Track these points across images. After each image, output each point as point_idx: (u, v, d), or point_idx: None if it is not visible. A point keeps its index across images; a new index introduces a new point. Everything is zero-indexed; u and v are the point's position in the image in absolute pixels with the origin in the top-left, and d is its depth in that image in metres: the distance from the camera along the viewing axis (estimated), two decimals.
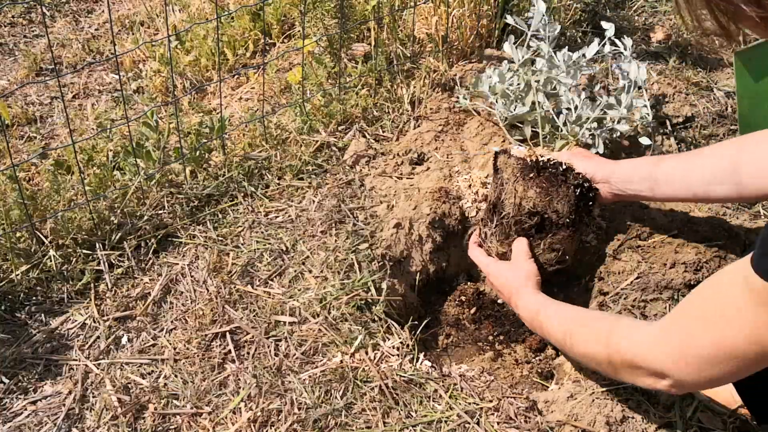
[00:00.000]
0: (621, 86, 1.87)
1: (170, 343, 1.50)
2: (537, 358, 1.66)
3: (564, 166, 1.57)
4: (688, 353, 1.08)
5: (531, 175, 1.56)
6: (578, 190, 1.54)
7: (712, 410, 1.40)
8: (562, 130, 1.83)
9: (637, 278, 1.62)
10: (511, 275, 1.56)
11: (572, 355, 1.39)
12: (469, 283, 1.83)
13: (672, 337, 1.12)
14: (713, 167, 1.43)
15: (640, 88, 1.85)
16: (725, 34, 0.92)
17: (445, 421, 1.37)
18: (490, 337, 1.71)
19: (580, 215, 1.56)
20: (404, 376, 1.45)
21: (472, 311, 1.75)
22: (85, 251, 1.67)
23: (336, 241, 1.70)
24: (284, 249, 1.70)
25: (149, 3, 2.76)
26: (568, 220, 1.55)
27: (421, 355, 1.52)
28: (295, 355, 1.48)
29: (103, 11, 2.84)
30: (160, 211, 1.78)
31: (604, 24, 1.93)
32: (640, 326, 1.24)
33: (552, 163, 1.58)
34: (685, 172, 1.47)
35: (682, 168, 1.48)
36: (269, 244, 1.71)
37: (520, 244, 1.58)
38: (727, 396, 1.40)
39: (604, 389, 1.42)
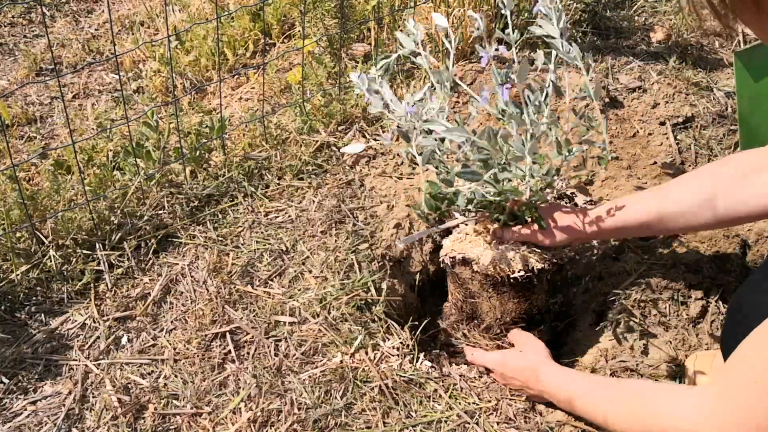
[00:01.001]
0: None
1: (170, 343, 1.50)
2: None
3: (536, 270, 1.45)
4: (754, 422, 0.96)
5: (504, 289, 1.49)
6: (550, 276, 1.50)
7: None
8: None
9: (637, 278, 1.62)
10: (529, 357, 1.45)
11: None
12: None
13: (727, 405, 1.00)
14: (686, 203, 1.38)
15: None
16: (725, 27, 0.89)
17: (445, 421, 1.37)
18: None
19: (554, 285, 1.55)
20: (404, 377, 1.45)
21: None
22: (85, 251, 1.67)
23: (336, 241, 1.70)
24: (284, 249, 1.70)
25: (149, 3, 2.76)
26: (548, 306, 1.54)
27: (421, 356, 1.52)
28: (295, 355, 1.48)
29: (103, 11, 2.84)
30: (160, 211, 1.78)
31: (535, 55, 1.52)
32: (683, 395, 1.13)
33: (520, 272, 1.45)
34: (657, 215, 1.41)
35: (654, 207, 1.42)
36: (269, 244, 1.72)
37: (518, 332, 1.53)
38: None
39: None
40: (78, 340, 1.51)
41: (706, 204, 1.34)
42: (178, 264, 1.67)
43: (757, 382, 0.95)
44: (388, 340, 1.52)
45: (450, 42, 1.43)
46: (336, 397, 1.40)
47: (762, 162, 1.29)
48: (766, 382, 0.94)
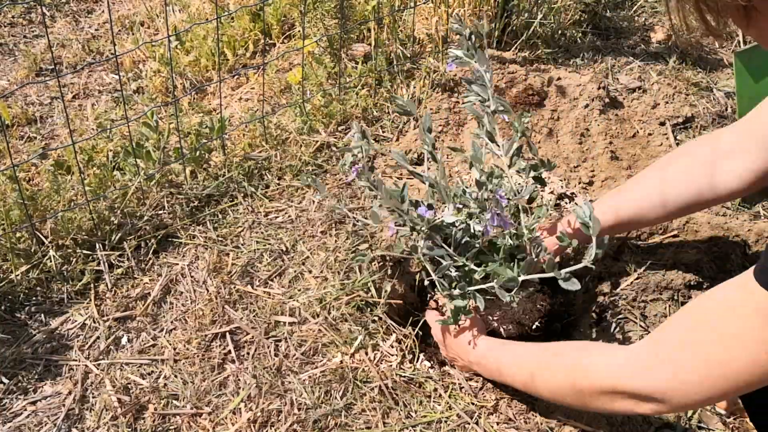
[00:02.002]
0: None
1: (170, 344, 1.50)
2: None
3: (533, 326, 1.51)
4: (682, 375, 1.01)
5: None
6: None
7: (712, 410, 1.40)
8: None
9: (637, 278, 1.62)
10: (466, 330, 1.44)
11: (540, 397, 1.33)
12: None
13: (662, 357, 1.04)
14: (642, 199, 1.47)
15: None
16: (711, 32, 0.90)
17: (445, 421, 1.37)
18: None
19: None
20: (404, 377, 1.45)
21: None
22: (85, 251, 1.67)
23: (336, 241, 1.70)
24: (284, 249, 1.70)
25: (149, 3, 2.76)
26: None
27: (421, 356, 1.52)
28: (295, 355, 1.48)
29: (103, 11, 2.84)
30: (160, 212, 1.78)
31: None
32: (616, 350, 1.17)
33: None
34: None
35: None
36: (269, 244, 1.72)
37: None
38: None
39: None
40: (78, 341, 1.51)
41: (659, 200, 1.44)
42: (178, 264, 1.67)
43: (700, 336, 0.99)
44: (388, 340, 1.52)
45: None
46: (336, 398, 1.40)
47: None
48: (708, 337, 0.97)
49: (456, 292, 1.37)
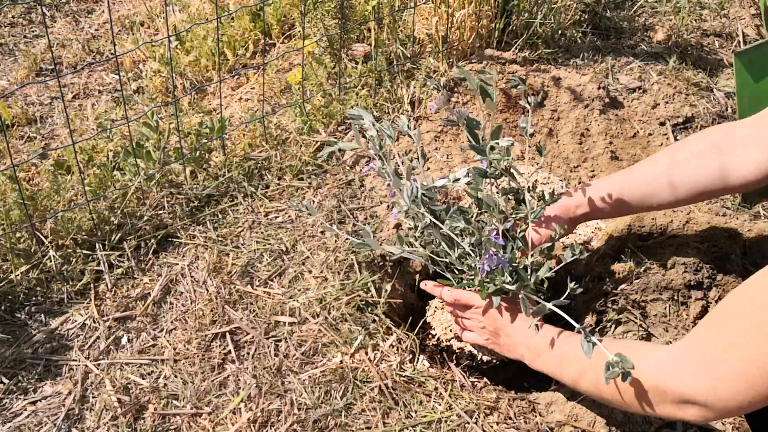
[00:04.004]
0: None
1: (170, 344, 1.50)
2: None
3: None
4: (721, 375, 0.97)
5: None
6: None
7: None
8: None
9: (637, 278, 1.62)
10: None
11: (578, 390, 1.31)
12: None
13: (700, 355, 1.01)
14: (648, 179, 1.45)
15: None
16: None
17: (445, 421, 1.37)
18: None
19: None
20: (404, 376, 1.45)
21: None
22: (85, 251, 1.67)
23: (336, 241, 1.70)
24: (284, 249, 1.70)
25: (149, 3, 2.76)
26: None
27: (421, 356, 1.52)
28: (295, 355, 1.48)
29: (103, 11, 2.84)
30: (160, 212, 1.78)
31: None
32: (649, 349, 1.15)
33: None
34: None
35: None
36: (269, 244, 1.72)
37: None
38: None
39: None
40: (78, 341, 1.51)
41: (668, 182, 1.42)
42: (178, 264, 1.67)
43: (723, 335, 0.96)
44: (388, 340, 1.52)
45: None
46: (336, 398, 1.40)
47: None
48: (733, 337, 0.95)
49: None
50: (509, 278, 1.36)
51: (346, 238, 1.68)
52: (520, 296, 1.33)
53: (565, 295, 1.29)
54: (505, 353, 1.44)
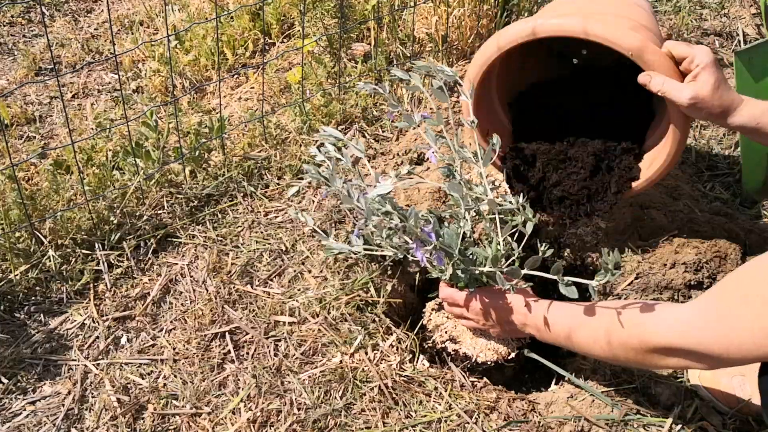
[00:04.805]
0: None
1: (170, 344, 1.50)
2: None
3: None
4: (738, 325, 0.99)
5: None
6: None
7: (713, 410, 1.40)
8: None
9: (637, 278, 1.62)
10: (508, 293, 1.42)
11: (583, 353, 1.34)
12: None
13: (710, 316, 1.04)
14: None
15: None
16: None
17: (445, 421, 1.37)
18: None
19: None
20: (404, 376, 1.45)
21: None
22: (84, 251, 1.67)
23: (336, 241, 1.70)
24: (284, 249, 1.70)
25: (149, 3, 2.76)
26: None
27: (421, 355, 1.52)
28: (294, 355, 1.47)
29: (102, 11, 2.84)
30: (159, 211, 1.78)
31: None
32: (665, 308, 1.16)
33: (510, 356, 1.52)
34: None
35: None
36: (269, 244, 1.71)
37: None
38: (729, 396, 1.40)
39: (604, 389, 1.42)
40: (77, 340, 1.51)
41: None
42: (177, 264, 1.67)
43: (745, 296, 0.98)
44: (388, 340, 1.52)
45: None
46: (336, 397, 1.40)
47: None
48: (754, 298, 0.97)
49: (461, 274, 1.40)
50: (461, 266, 1.38)
51: (356, 222, 1.67)
52: (496, 276, 1.33)
53: (539, 259, 1.28)
54: (512, 336, 1.47)
